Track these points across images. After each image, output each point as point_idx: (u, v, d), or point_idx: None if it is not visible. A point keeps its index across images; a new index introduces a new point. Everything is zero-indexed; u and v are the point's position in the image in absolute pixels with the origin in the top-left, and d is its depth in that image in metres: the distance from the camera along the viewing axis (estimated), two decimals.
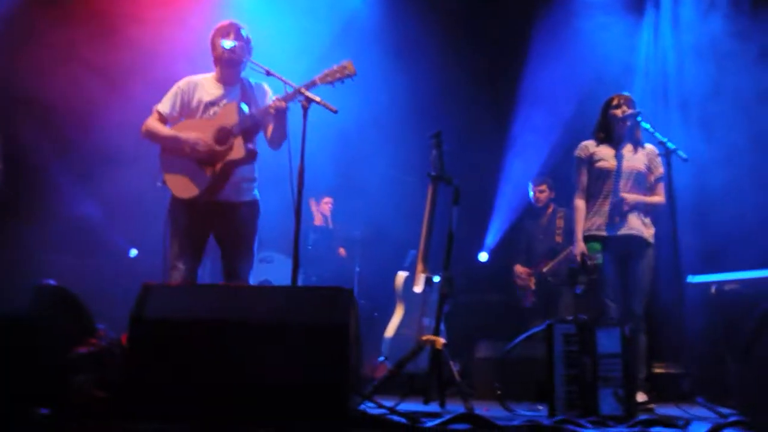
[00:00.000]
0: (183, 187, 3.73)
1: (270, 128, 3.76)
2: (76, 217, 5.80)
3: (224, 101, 3.79)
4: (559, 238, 5.68)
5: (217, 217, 3.74)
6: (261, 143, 3.85)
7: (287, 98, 3.55)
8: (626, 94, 4.23)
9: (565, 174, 5.36)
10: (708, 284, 4.54)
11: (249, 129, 3.67)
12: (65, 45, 5.68)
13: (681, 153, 3.78)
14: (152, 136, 3.80)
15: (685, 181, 4.41)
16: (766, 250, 4.73)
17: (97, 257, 6.08)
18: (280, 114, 3.60)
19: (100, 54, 5.76)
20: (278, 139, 3.77)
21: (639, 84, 5.84)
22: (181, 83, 3.87)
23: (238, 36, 3.80)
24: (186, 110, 3.82)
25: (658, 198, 4.17)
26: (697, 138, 5.32)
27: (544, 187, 5.88)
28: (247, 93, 3.81)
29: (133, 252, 6.49)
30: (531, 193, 5.96)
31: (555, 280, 5.62)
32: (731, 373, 4.07)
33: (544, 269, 5.67)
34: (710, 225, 5.26)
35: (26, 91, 5.58)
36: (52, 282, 2.80)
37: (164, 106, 3.83)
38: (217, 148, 3.67)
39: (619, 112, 4.15)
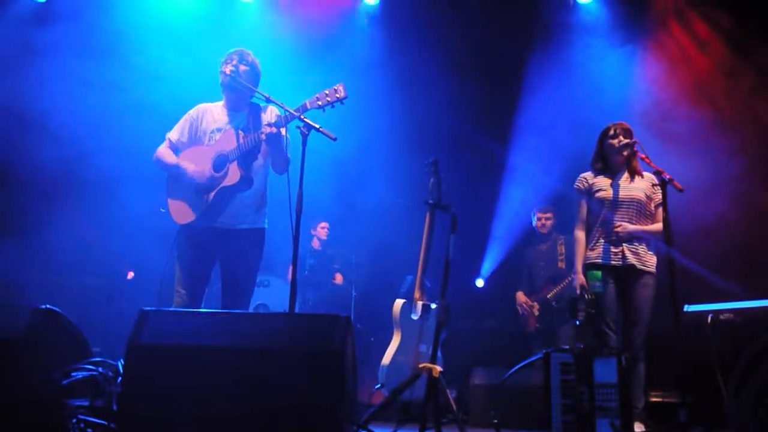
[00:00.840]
0: (181, 213, 3.78)
1: (268, 153, 3.79)
2: (73, 239, 5.79)
3: (227, 127, 3.83)
4: (561, 264, 5.69)
5: (218, 244, 3.75)
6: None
7: (282, 123, 3.57)
8: (623, 123, 4.25)
9: (564, 201, 5.41)
10: (704, 313, 4.54)
11: (246, 155, 3.68)
12: (66, 64, 5.73)
13: (677, 184, 3.80)
14: (160, 163, 3.91)
15: (682, 208, 4.43)
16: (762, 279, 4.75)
17: (94, 279, 6.06)
18: (273, 140, 3.62)
19: (101, 74, 5.82)
20: (278, 164, 3.79)
21: (636, 112, 5.88)
22: (192, 111, 3.95)
23: (242, 61, 3.85)
24: (195, 137, 3.88)
25: (657, 226, 4.18)
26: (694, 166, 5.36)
27: (550, 215, 5.89)
28: (254, 118, 3.84)
29: (130, 275, 6.47)
30: (535, 221, 5.95)
31: (559, 305, 5.62)
32: (727, 403, 4.06)
33: (548, 295, 5.67)
34: (706, 253, 5.26)
35: (28, 111, 5.61)
36: (47, 306, 2.79)
37: (174, 134, 3.93)
38: (215, 174, 3.70)
39: (615, 142, 4.18)
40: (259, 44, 4.46)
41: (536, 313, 5.73)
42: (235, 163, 3.65)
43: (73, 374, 2.67)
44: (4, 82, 5.57)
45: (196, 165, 3.76)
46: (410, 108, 6.31)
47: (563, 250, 5.70)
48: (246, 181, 3.69)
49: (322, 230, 6.66)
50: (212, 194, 3.70)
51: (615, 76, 6.12)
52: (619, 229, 4.07)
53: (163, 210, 3.88)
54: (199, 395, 2.41)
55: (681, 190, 3.78)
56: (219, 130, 3.85)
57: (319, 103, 3.48)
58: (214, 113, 3.93)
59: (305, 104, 3.50)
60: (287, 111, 3.53)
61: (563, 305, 5.57)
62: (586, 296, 4.05)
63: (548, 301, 5.67)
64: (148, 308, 2.59)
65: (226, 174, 3.67)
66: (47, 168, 5.65)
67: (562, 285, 5.61)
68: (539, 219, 5.92)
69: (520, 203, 6.29)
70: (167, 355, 2.49)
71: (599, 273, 4.03)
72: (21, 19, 5.99)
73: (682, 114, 5.76)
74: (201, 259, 3.75)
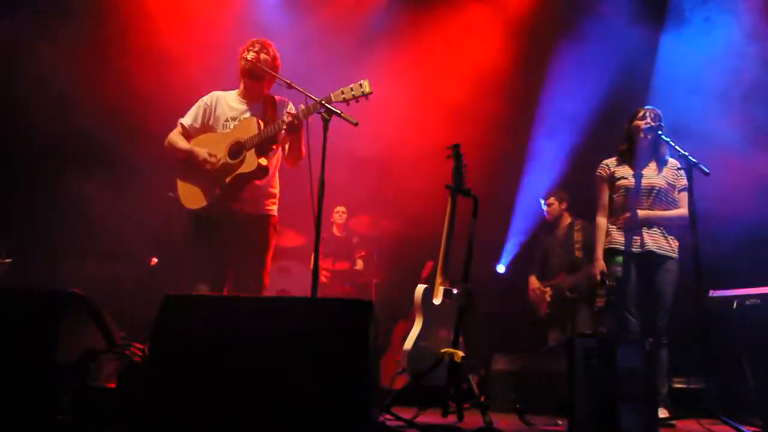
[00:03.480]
0: (192, 198, 3.79)
1: (287, 144, 3.80)
2: (98, 224, 5.86)
3: (244, 115, 3.84)
4: (578, 252, 5.64)
5: (230, 229, 3.75)
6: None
7: (307, 112, 3.57)
8: (653, 108, 4.22)
9: (582, 185, 5.36)
10: (729, 298, 4.49)
11: (263, 143, 3.70)
12: (93, 51, 5.78)
13: (703, 167, 3.75)
14: (172, 149, 3.92)
15: (707, 194, 4.37)
16: None
17: (118, 264, 6.13)
18: (294, 130, 3.63)
19: (128, 62, 5.86)
20: (294, 156, 3.81)
21: (659, 102, 5.79)
22: (206, 98, 3.96)
23: (263, 50, 3.86)
24: (208, 123, 3.89)
25: (680, 210, 4.14)
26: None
27: (552, 200, 5.90)
28: (270, 109, 3.85)
29: (154, 260, 6.53)
30: (543, 207, 5.99)
31: (573, 295, 5.58)
32: (753, 390, 4.02)
33: (563, 284, 5.63)
34: (731, 238, 5.19)
35: (54, 94, 5.66)
36: (75, 290, 2.83)
37: (187, 119, 3.94)
38: (230, 161, 3.71)
39: (642, 124, 4.15)
40: (281, 30, 4.45)
41: (548, 299, 5.69)
42: (253, 150, 3.67)
43: (100, 357, 2.71)
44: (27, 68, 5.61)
45: (209, 151, 3.77)
46: (434, 92, 6.26)
47: (580, 237, 5.66)
48: (263, 169, 3.71)
49: (338, 215, 6.64)
50: (227, 181, 3.71)
51: (641, 65, 6.00)
52: (639, 215, 4.05)
53: (171, 194, 3.88)
54: (223, 380, 2.43)
55: (707, 174, 3.74)
56: (234, 118, 3.86)
57: (344, 96, 3.49)
58: (228, 101, 3.94)
59: (329, 96, 3.51)
60: (307, 98, 3.53)
61: (577, 295, 5.53)
62: (607, 282, 4.04)
63: (562, 289, 5.62)
64: (173, 293, 2.61)
65: (242, 161, 3.68)
66: (77, 157, 5.72)
67: (577, 275, 5.56)
68: (544, 205, 5.96)
69: (542, 187, 6.25)
70: (192, 339, 2.52)
71: (620, 258, 4.02)
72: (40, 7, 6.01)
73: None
74: (215, 245, 3.76)
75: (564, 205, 5.88)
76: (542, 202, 5.98)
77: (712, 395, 3.95)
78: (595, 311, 5.30)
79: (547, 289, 5.74)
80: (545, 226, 6.08)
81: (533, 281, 5.88)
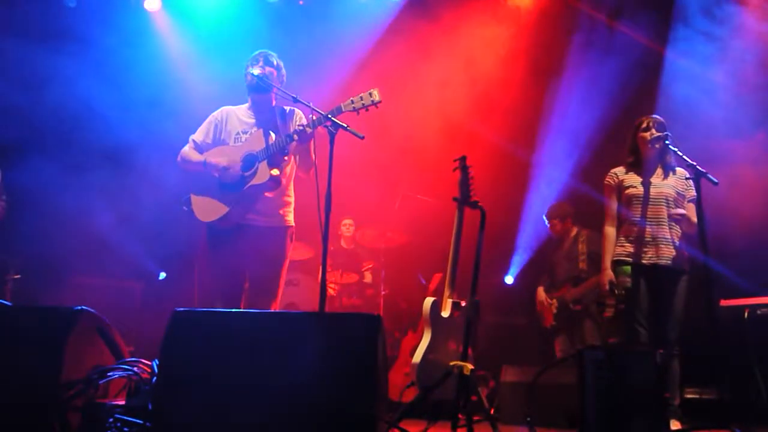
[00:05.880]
0: (206, 211, 3.80)
1: (297, 155, 3.82)
2: (105, 240, 5.88)
3: (254, 128, 3.86)
4: (583, 264, 5.61)
5: (246, 241, 3.77)
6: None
7: (313, 124, 3.58)
8: (656, 117, 4.20)
9: (589, 195, 5.34)
10: (740, 308, 4.45)
11: (275, 155, 3.71)
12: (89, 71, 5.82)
13: (711, 177, 3.73)
14: (185, 163, 3.94)
15: (717, 201, 4.35)
16: None
17: (126, 279, 6.15)
18: (304, 139, 3.64)
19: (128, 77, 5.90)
20: (305, 165, 3.83)
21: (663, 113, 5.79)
22: (216, 113, 4.00)
23: (267, 63, 3.89)
24: (219, 138, 3.92)
25: (689, 214, 4.10)
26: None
27: (555, 222, 5.88)
28: (279, 120, 3.87)
29: (162, 275, 6.55)
30: (547, 225, 5.98)
31: (576, 307, 5.53)
32: (766, 399, 3.98)
33: (567, 296, 5.59)
34: (741, 247, 5.16)
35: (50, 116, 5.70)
36: (83, 308, 2.84)
37: (198, 135, 3.98)
38: (243, 173, 3.73)
39: (647, 135, 4.12)
40: (286, 43, 4.48)
41: (554, 310, 5.66)
42: (265, 162, 3.69)
43: (109, 374, 2.71)
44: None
45: (223, 162, 3.79)
46: (440, 107, 6.27)
47: (584, 249, 5.63)
48: (275, 180, 3.73)
49: (345, 228, 6.64)
50: (240, 193, 3.72)
51: (645, 76, 5.99)
52: (673, 211, 4.02)
53: (185, 209, 3.89)
54: (231, 396, 2.43)
55: (716, 183, 3.72)
56: (245, 131, 3.89)
57: (354, 106, 3.49)
58: (239, 115, 3.98)
59: (339, 107, 3.52)
60: (315, 111, 3.54)
61: (582, 308, 5.49)
62: (615, 291, 4.01)
63: (566, 302, 5.59)
64: (181, 309, 2.61)
65: (255, 173, 3.70)
66: (85, 168, 5.76)
67: (582, 288, 5.52)
68: (547, 223, 5.96)
69: (549, 201, 6.23)
70: (200, 355, 2.51)
71: (629, 268, 3.99)
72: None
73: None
74: (232, 258, 3.77)
75: (568, 222, 5.85)
76: (545, 220, 5.98)
77: (725, 405, 3.91)
78: (599, 322, 5.28)
79: (554, 300, 5.71)
80: (554, 239, 6.06)
81: (540, 293, 5.86)
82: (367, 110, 3.49)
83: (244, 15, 6.30)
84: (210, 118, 4.00)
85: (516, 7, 6.45)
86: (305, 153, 3.80)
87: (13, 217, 5.36)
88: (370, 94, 3.48)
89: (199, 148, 3.95)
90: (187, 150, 3.96)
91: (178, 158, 3.97)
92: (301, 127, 3.59)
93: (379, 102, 3.48)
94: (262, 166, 3.69)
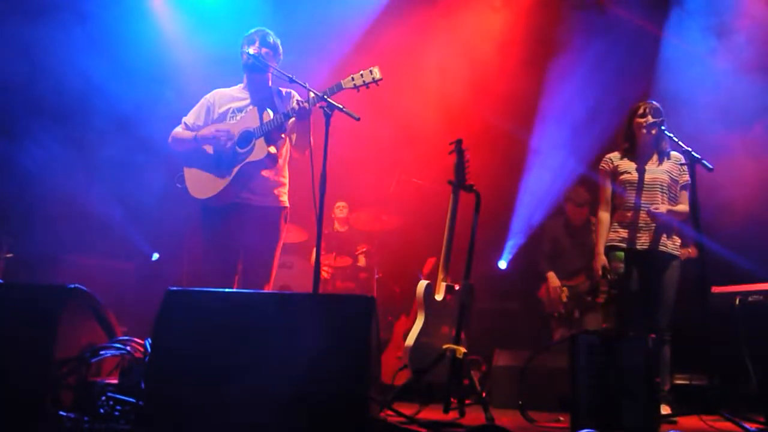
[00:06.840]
0: (200, 188, 3.77)
1: (293, 135, 3.79)
2: (98, 219, 5.85)
3: (250, 107, 3.82)
4: None
5: (240, 220, 3.75)
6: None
7: (311, 101, 3.55)
8: (652, 102, 4.19)
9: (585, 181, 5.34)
10: (732, 295, 4.47)
11: (271, 132, 3.69)
12: (84, 48, 5.76)
13: (706, 163, 3.73)
14: (176, 142, 3.90)
15: (709, 188, 4.35)
16: None
17: (119, 260, 6.13)
18: (302, 116, 3.60)
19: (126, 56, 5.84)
20: (301, 146, 3.79)
21: (660, 97, 5.76)
22: (208, 95, 3.97)
23: (264, 42, 3.85)
24: (211, 120, 3.88)
25: (682, 207, 4.13)
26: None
27: (586, 210, 5.63)
28: (275, 99, 3.85)
29: (155, 255, 6.54)
30: (568, 209, 5.74)
31: (590, 299, 5.46)
32: (755, 386, 4.01)
33: (582, 287, 5.53)
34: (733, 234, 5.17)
35: (48, 95, 5.65)
36: (76, 286, 2.83)
37: (190, 117, 3.95)
38: (239, 149, 3.70)
39: (643, 121, 4.12)
40: (285, 24, 4.43)
41: (564, 299, 5.59)
42: (262, 139, 3.66)
43: (101, 353, 2.71)
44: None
45: (219, 136, 3.74)
46: (437, 89, 6.24)
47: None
48: (272, 158, 3.71)
49: (339, 210, 6.62)
50: (235, 169, 3.69)
51: (643, 61, 5.96)
52: (653, 209, 4.02)
53: (179, 185, 3.86)
54: (224, 375, 2.43)
55: (711, 169, 3.72)
56: (240, 110, 3.85)
57: (354, 83, 3.47)
58: (233, 95, 3.94)
59: (339, 83, 3.49)
60: (310, 91, 3.51)
61: (592, 298, 5.44)
62: (608, 277, 4.02)
63: (581, 293, 5.52)
64: (174, 288, 2.61)
65: (251, 150, 3.67)
66: (81, 147, 5.72)
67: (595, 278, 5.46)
68: (574, 211, 5.69)
69: (544, 184, 6.22)
70: (193, 335, 2.51)
71: (622, 254, 4.01)
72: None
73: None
74: (226, 237, 3.74)
75: (585, 210, 5.63)
76: (570, 205, 5.71)
77: (715, 391, 3.93)
78: (603, 309, 5.23)
79: (565, 288, 5.63)
80: (564, 223, 5.83)
81: (554, 279, 5.64)
82: (367, 87, 3.46)
83: None
84: (202, 100, 3.96)
85: None
86: (303, 133, 3.74)
87: (7, 195, 5.33)
88: (371, 71, 3.45)
89: (191, 130, 3.91)
90: (179, 130, 3.92)
91: (170, 139, 3.92)
92: (299, 104, 3.56)
93: (380, 80, 3.45)
94: (260, 142, 3.66)
